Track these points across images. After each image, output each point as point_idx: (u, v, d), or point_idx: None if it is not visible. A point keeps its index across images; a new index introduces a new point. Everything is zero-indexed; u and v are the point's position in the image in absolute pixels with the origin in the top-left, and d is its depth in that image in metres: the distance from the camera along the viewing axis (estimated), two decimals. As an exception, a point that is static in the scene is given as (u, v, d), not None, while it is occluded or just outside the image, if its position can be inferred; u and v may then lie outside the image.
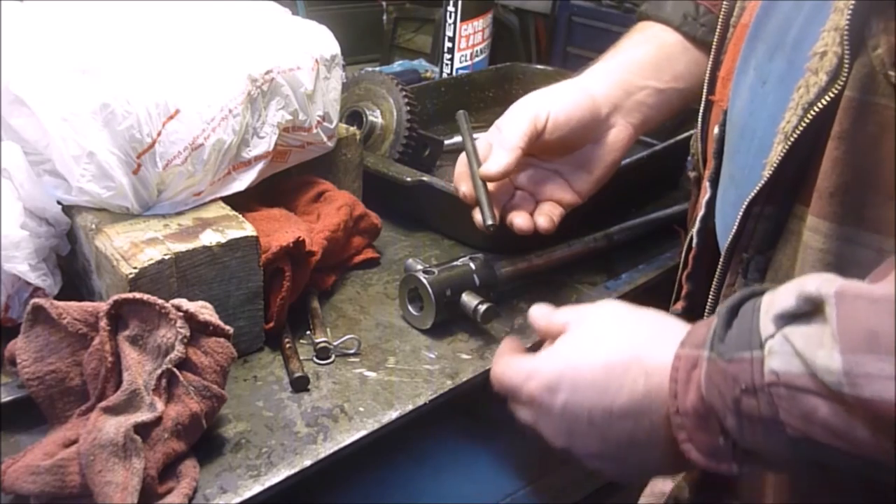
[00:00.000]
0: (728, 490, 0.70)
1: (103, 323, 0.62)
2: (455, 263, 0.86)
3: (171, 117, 0.73)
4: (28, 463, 0.58)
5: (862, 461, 0.47)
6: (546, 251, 0.95)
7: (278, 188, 0.92)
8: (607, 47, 0.98)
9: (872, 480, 0.49)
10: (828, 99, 0.56)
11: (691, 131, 1.13)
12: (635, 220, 1.06)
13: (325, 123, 0.90)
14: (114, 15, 0.79)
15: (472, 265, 0.85)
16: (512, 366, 0.64)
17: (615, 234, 1.02)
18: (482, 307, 0.81)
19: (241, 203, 0.81)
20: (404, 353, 0.80)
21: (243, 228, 0.74)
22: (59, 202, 0.75)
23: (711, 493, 0.73)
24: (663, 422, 0.57)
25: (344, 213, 0.89)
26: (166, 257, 0.69)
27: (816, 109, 0.56)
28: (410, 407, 0.73)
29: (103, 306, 0.63)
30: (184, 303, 0.65)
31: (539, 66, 1.48)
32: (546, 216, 0.88)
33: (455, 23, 1.49)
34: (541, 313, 0.67)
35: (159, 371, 0.62)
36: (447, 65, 1.53)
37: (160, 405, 0.61)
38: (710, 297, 0.70)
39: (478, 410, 0.93)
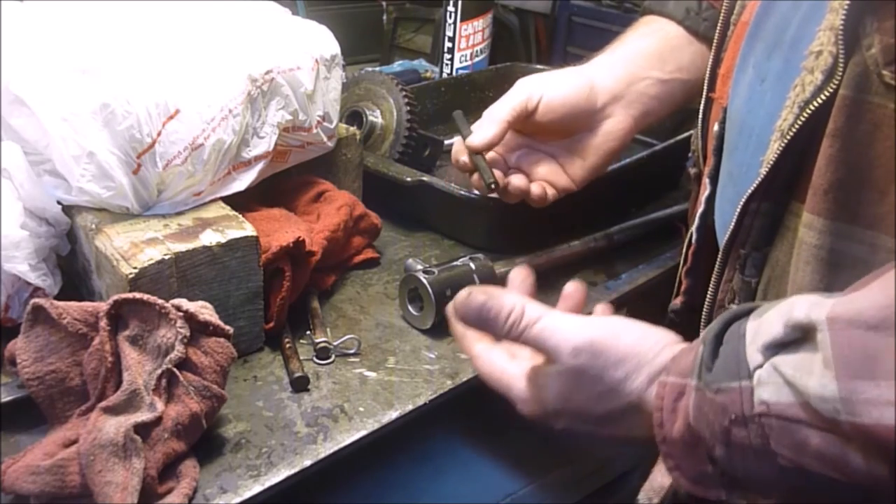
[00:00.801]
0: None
1: (103, 323, 0.62)
2: (455, 263, 0.86)
3: (171, 117, 0.73)
4: (28, 463, 0.58)
5: (854, 489, 0.47)
6: (546, 251, 0.95)
7: (278, 188, 0.92)
8: (607, 48, 0.98)
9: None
10: (823, 97, 0.56)
11: (691, 131, 1.13)
12: (635, 220, 1.06)
13: (325, 123, 0.90)
14: (114, 15, 0.79)
15: (472, 265, 0.85)
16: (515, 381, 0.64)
17: (615, 234, 1.02)
18: (482, 307, 0.81)
19: (241, 203, 0.81)
20: (404, 353, 0.80)
21: (243, 228, 0.74)
22: (59, 202, 0.75)
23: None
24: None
25: (344, 213, 0.89)
26: (166, 257, 0.69)
27: (812, 108, 0.57)
28: (410, 407, 0.73)
29: (103, 306, 0.63)
30: (184, 303, 0.65)
31: (539, 66, 1.48)
32: (539, 185, 0.90)
33: (455, 23, 1.49)
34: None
35: (159, 371, 0.62)
36: (447, 65, 1.53)
37: (160, 405, 0.61)
38: (709, 292, 0.71)
39: (478, 410, 0.93)
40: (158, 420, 0.60)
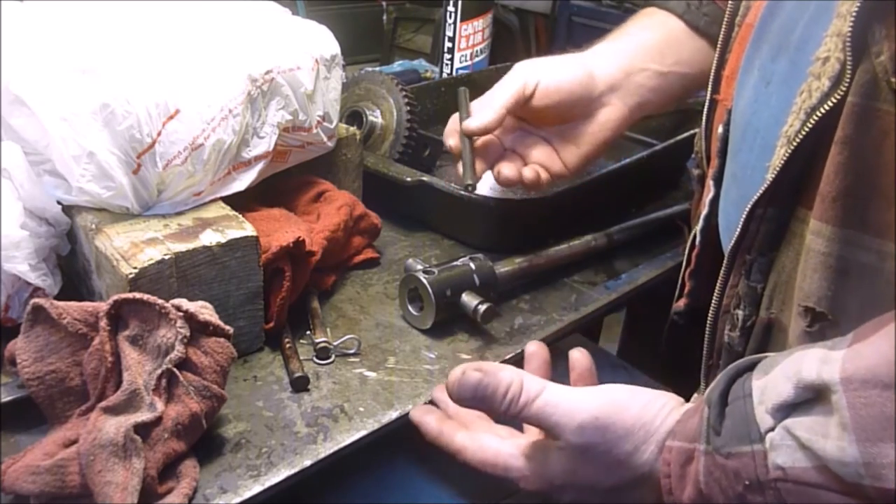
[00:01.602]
0: None
1: (103, 323, 0.62)
2: (455, 263, 0.86)
3: (171, 117, 0.73)
4: (28, 463, 0.58)
5: None
6: (546, 251, 0.95)
7: (278, 188, 0.92)
8: (607, 35, 0.99)
9: None
10: (830, 104, 0.56)
11: (691, 131, 1.13)
12: (635, 220, 1.06)
13: (325, 123, 0.90)
14: (114, 15, 0.79)
15: (472, 265, 0.85)
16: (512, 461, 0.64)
17: (615, 234, 1.02)
18: (482, 307, 0.81)
19: (241, 203, 0.81)
20: (404, 353, 0.80)
21: (243, 228, 0.74)
22: (59, 202, 0.75)
23: None
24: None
25: (344, 213, 0.89)
26: (166, 257, 0.69)
27: (819, 114, 0.57)
28: (410, 407, 0.73)
29: (103, 306, 0.63)
30: (184, 303, 0.65)
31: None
32: (532, 169, 0.90)
33: (455, 23, 1.49)
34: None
35: (159, 371, 0.62)
36: (447, 65, 1.53)
37: (160, 405, 0.61)
38: (714, 298, 0.70)
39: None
40: (158, 420, 0.60)
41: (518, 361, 0.82)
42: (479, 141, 0.92)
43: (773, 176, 0.61)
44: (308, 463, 0.66)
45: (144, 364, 0.63)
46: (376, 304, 0.89)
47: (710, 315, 0.71)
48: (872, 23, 0.53)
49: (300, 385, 0.74)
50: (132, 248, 0.70)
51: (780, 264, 0.64)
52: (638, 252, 1.03)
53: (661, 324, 0.87)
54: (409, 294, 0.85)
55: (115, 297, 0.63)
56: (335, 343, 0.79)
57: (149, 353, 0.63)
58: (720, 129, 0.73)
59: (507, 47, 1.75)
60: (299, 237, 0.78)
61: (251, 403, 0.72)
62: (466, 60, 1.52)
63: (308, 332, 0.82)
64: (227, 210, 0.78)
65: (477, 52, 1.54)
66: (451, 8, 1.48)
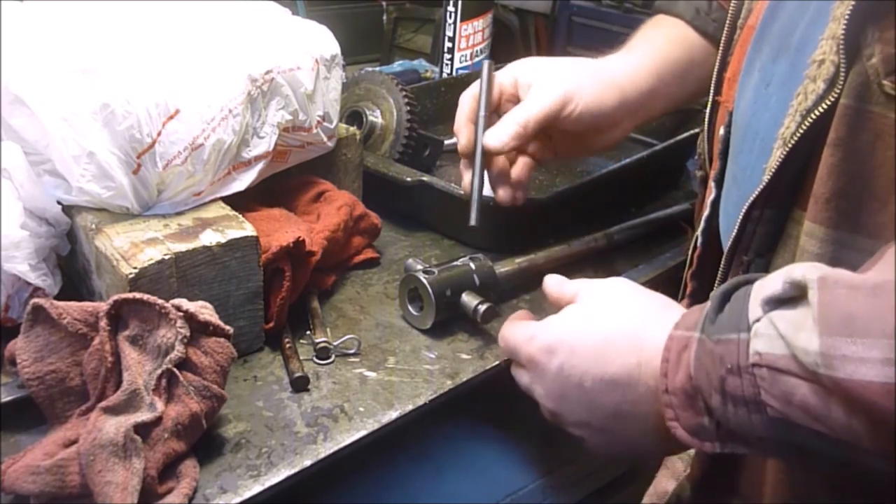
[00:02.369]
0: (728, 489, 0.70)
1: (103, 323, 0.62)
2: (455, 263, 0.86)
3: (171, 117, 0.73)
4: (28, 463, 0.58)
5: (837, 444, 0.48)
6: (546, 251, 0.95)
7: (278, 188, 0.92)
8: (607, 47, 0.98)
9: (850, 467, 0.50)
10: (825, 106, 0.56)
11: (692, 131, 1.14)
12: (635, 220, 1.06)
13: (325, 123, 0.90)
14: (114, 15, 0.79)
15: (472, 265, 0.85)
16: (517, 328, 0.69)
17: (615, 234, 1.02)
18: (482, 307, 0.81)
19: (241, 203, 0.81)
20: (404, 353, 0.80)
21: (243, 228, 0.74)
22: (59, 202, 0.75)
23: (712, 492, 0.73)
24: (649, 397, 0.60)
25: (344, 213, 0.89)
26: (166, 257, 0.69)
27: (814, 116, 0.57)
28: (410, 407, 0.73)
29: (103, 306, 0.63)
30: (184, 303, 0.65)
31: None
32: (523, 166, 0.89)
33: (455, 23, 1.49)
34: (554, 281, 0.71)
35: (159, 371, 0.62)
36: (447, 65, 1.53)
37: (160, 405, 0.61)
38: None
39: (478, 410, 0.93)
40: (158, 420, 0.60)
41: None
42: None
43: (770, 177, 0.61)
44: (308, 463, 0.66)
45: (144, 364, 0.63)
46: (376, 304, 0.89)
47: None
48: (865, 25, 0.53)
49: (300, 385, 0.74)
50: (132, 248, 0.70)
51: (777, 266, 0.64)
52: (638, 252, 1.03)
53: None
54: (409, 294, 0.85)
55: (115, 297, 0.63)
56: (335, 343, 0.79)
57: (149, 353, 0.63)
58: (721, 131, 0.74)
59: (507, 47, 1.74)
60: (299, 237, 0.78)
61: (251, 403, 0.72)
62: (466, 60, 1.52)
63: (308, 332, 0.82)
64: (227, 210, 0.78)
65: (477, 52, 1.54)
66: (451, 8, 1.48)
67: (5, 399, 0.66)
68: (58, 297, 0.68)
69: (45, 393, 0.63)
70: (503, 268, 0.89)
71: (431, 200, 1.00)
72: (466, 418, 0.92)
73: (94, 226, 0.73)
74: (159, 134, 0.72)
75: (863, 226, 0.56)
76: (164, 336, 0.63)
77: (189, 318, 0.64)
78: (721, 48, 0.78)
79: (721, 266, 0.69)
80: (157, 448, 0.60)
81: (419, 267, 0.85)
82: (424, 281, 0.81)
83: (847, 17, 0.54)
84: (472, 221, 0.82)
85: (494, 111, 0.89)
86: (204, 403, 0.63)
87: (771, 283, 0.52)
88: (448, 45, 1.51)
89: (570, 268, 0.97)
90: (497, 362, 0.80)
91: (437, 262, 0.87)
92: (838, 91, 0.55)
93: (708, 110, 0.80)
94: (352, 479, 0.81)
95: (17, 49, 0.72)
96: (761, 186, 0.62)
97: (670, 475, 0.85)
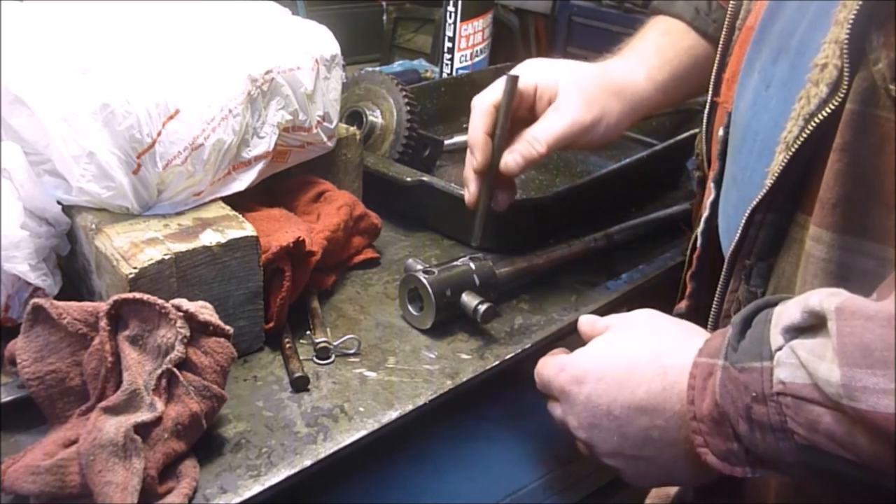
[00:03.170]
0: (732, 492, 0.70)
1: (103, 323, 0.62)
2: (455, 263, 0.85)
3: (171, 117, 0.73)
4: (28, 463, 0.58)
5: (865, 470, 0.49)
6: (546, 251, 0.95)
7: (278, 188, 0.92)
8: (607, 47, 0.98)
9: (878, 488, 0.50)
10: (828, 111, 0.56)
11: (691, 131, 1.13)
12: (635, 220, 1.06)
13: (325, 123, 0.90)
14: (114, 15, 0.79)
15: (472, 265, 0.85)
16: (550, 361, 0.69)
17: (615, 234, 1.02)
18: (482, 307, 0.81)
19: (241, 203, 0.81)
20: (404, 353, 0.80)
21: (243, 228, 0.74)
22: (59, 202, 0.75)
23: (716, 494, 0.73)
24: (677, 422, 0.60)
25: (344, 213, 0.89)
26: (166, 257, 0.69)
27: (817, 121, 0.57)
28: (410, 407, 0.73)
29: (103, 306, 0.63)
30: (184, 303, 0.65)
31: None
32: (514, 160, 0.86)
33: (455, 23, 1.49)
34: (587, 320, 0.72)
35: (159, 371, 0.62)
36: (447, 65, 1.53)
37: (160, 405, 0.61)
38: (715, 302, 0.71)
39: (478, 410, 0.93)
40: (158, 420, 0.60)
41: (518, 362, 0.82)
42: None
43: (773, 182, 0.61)
44: (308, 463, 0.66)
45: (144, 364, 0.63)
46: (376, 304, 0.89)
47: (710, 319, 0.72)
48: (870, 30, 0.53)
49: (300, 385, 0.74)
50: (132, 248, 0.70)
51: (780, 269, 0.64)
52: (638, 252, 1.03)
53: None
54: (409, 294, 0.85)
55: (115, 297, 0.63)
56: (335, 343, 0.79)
57: (149, 353, 0.63)
58: (720, 132, 0.73)
59: (507, 47, 1.74)
60: (299, 237, 0.78)
61: (251, 403, 0.72)
62: (466, 60, 1.52)
63: (308, 332, 0.82)
64: (227, 210, 0.78)
65: (477, 52, 1.54)
66: (451, 8, 1.48)
67: (5, 399, 0.66)
68: (58, 297, 0.68)
69: (45, 393, 0.63)
70: (503, 268, 0.89)
71: (431, 200, 1.00)
72: (466, 418, 0.92)
73: (94, 226, 0.73)
74: (159, 134, 0.72)
75: (870, 230, 0.56)
76: (164, 336, 0.63)
77: (189, 318, 0.64)
78: (720, 49, 0.78)
79: (723, 270, 0.69)
80: (157, 448, 0.60)
81: (419, 267, 0.85)
82: (424, 281, 0.81)
83: (851, 21, 0.53)
84: (476, 242, 0.85)
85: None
86: (204, 403, 0.63)
87: (790, 311, 0.52)
88: (448, 45, 1.51)
89: (570, 268, 0.97)
90: (497, 362, 0.80)
91: (437, 262, 0.87)
92: (842, 95, 0.55)
93: (706, 111, 0.80)
94: (352, 479, 0.81)
95: (17, 49, 0.72)
96: (764, 191, 0.62)
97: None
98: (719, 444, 0.56)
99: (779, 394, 0.50)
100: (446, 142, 1.19)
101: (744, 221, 0.64)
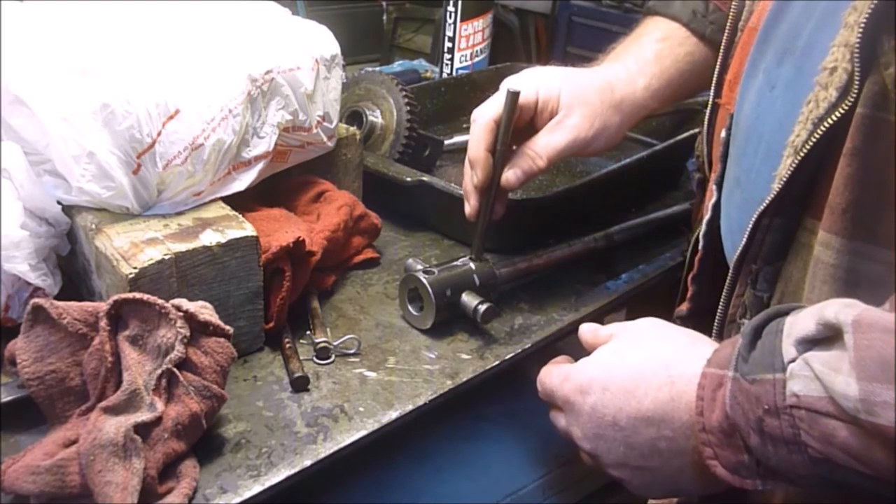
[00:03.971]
0: (737, 496, 0.70)
1: (103, 323, 0.62)
2: (455, 263, 0.86)
3: (171, 117, 0.73)
4: (28, 463, 0.58)
5: (880, 483, 0.48)
6: (546, 251, 0.95)
7: (278, 188, 0.92)
8: (607, 47, 0.97)
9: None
10: (837, 115, 0.56)
11: (691, 131, 1.13)
12: (635, 220, 1.06)
13: (325, 123, 0.90)
14: (114, 15, 0.79)
15: (472, 265, 0.85)
16: (553, 371, 0.68)
17: (615, 234, 1.02)
18: (482, 307, 0.81)
19: (241, 203, 0.81)
20: (404, 353, 0.80)
21: (243, 228, 0.74)
22: (59, 202, 0.75)
23: (719, 496, 0.73)
24: (685, 432, 0.59)
25: (344, 213, 0.89)
26: (166, 257, 0.69)
27: (826, 125, 0.57)
28: (410, 407, 0.73)
29: (103, 306, 0.63)
30: (184, 303, 0.65)
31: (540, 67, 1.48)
32: (514, 173, 0.86)
33: (455, 23, 1.49)
34: (589, 328, 0.70)
35: (159, 371, 0.62)
36: (447, 65, 1.53)
37: (160, 405, 0.61)
38: (720, 306, 0.70)
39: (478, 410, 0.93)
40: (158, 420, 0.60)
41: (518, 361, 0.82)
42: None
43: (780, 186, 0.60)
44: (308, 463, 0.66)
45: (144, 364, 0.63)
46: (376, 304, 0.89)
47: (715, 324, 0.71)
48: (881, 34, 0.53)
49: (300, 385, 0.74)
50: (132, 248, 0.70)
51: (788, 274, 0.64)
52: (638, 252, 1.03)
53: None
54: (409, 294, 0.85)
55: (115, 297, 0.63)
56: (335, 343, 0.79)
57: (149, 353, 0.63)
58: (723, 134, 0.73)
59: (507, 47, 1.74)
60: (299, 237, 0.78)
61: (251, 403, 0.72)
62: (466, 60, 1.52)
63: (308, 332, 0.82)
64: (227, 210, 0.78)
65: (477, 52, 1.54)
66: (451, 8, 1.48)
67: (5, 399, 0.66)
68: (58, 297, 0.68)
69: (45, 393, 0.63)
70: (503, 268, 0.89)
71: (431, 200, 1.00)
72: (466, 418, 0.92)
73: (94, 226, 0.73)
74: (159, 134, 0.72)
75: (880, 236, 0.56)
76: (164, 336, 0.63)
77: (189, 318, 0.64)
78: (722, 50, 0.77)
79: (729, 275, 0.68)
80: (157, 448, 0.60)
81: (419, 267, 0.85)
82: (424, 281, 0.81)
83: (862, 25, 0.53)
84: (476, 255, 0.85)
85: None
86: (204, 403, 0.63)
87: (803, 322, 0.51)
88: (448, 45, 1.51)
89: (570, 268, 0.97)
90: (497, 362, 0.80)
91: (437, 262, 0.87)
92: (851, 99, 0.55)
93: (707, 113, 0.79)
94: (352, 479, 0.81)
95: (17, 49, 0.72)
96: (772, 196, 0.61)
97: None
98: (729, 456, 0.55)
99: (792, 406, 0.50)
100: (446, 142, 1.19)
101: (750, 226, 0.64)
